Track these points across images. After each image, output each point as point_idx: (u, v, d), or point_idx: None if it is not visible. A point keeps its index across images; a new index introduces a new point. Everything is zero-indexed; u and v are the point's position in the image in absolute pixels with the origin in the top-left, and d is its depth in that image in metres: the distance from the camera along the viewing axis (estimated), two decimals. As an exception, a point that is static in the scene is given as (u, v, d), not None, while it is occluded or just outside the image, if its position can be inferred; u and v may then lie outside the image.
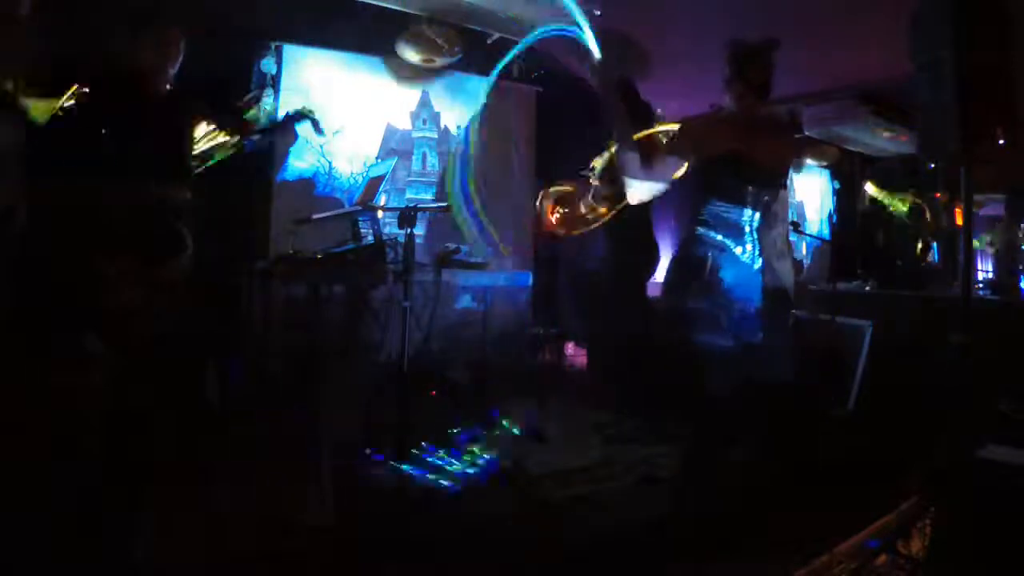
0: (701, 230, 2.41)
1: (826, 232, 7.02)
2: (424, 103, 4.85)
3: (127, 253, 2.26)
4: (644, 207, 3.76)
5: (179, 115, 2.50)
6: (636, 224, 3.64)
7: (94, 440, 2.25)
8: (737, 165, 2.38)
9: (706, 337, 2.31)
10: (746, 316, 2.37)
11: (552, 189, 4.20)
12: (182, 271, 2.38)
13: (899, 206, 5.34)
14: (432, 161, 4.85)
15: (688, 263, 2.42)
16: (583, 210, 3.87)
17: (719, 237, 2.39)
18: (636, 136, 2.99)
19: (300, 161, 4.36)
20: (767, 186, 2.45)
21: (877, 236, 5.55)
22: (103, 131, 2.30)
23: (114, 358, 2.26)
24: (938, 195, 5.55)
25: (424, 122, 4.84)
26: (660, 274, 5.41)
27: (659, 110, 3.43)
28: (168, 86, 2.47)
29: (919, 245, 5.35)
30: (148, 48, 2.42)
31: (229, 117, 2.82)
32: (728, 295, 2.35)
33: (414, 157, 4.80)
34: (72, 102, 2.26)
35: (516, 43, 4.50)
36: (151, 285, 2.29)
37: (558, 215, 4.13)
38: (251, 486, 2.48)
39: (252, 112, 3.43)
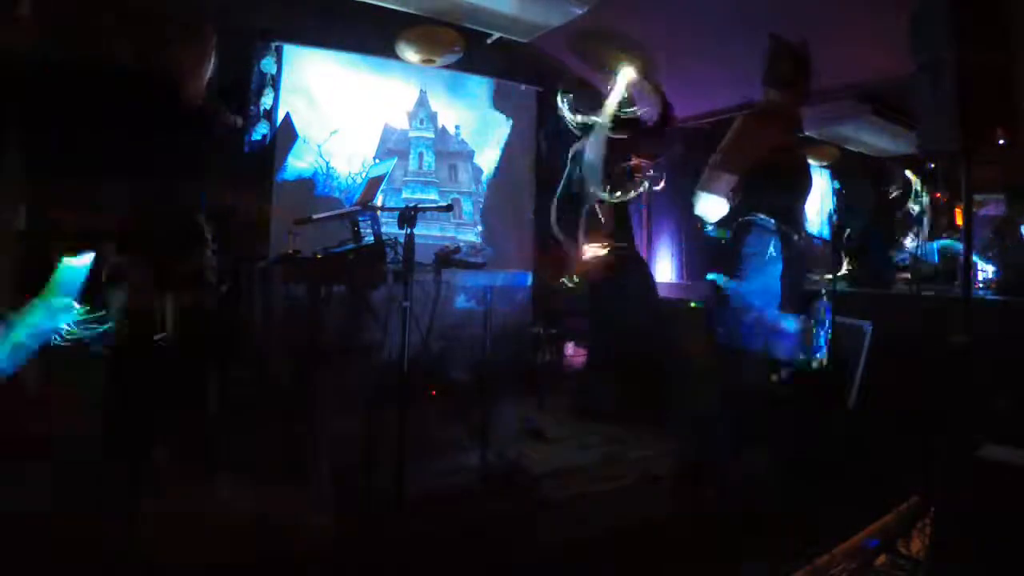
0: (762, 216, 2.40)
1: (826, 232, 7.01)
2: (422, 103, 4.85)
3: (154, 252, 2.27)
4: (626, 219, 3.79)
5: (207, 116, 2.51)
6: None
7: (96, 437, 2.26)
8: (793, 158, 2.42)
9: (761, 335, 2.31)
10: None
11: None
12: (204, 267, 2.39)
13: None
14: (429, 161, 4.85)
15: (751, 249, 2.40)
16: None
17: (781, 225, 2.39)
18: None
19: (299, 161, 4.36)
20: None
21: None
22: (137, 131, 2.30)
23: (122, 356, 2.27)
24: (938, 195, 5.54)
25: (421, 122, 4.84)
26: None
27: None
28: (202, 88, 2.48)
29: None
30: (185, 50, 2.42)
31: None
32: (782, 287, 2.36)
33: (411, 157, 4.80)
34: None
35: (516, 43, 4.52)
36: (173, 283, 2.30)
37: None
38: (251, 486, 2.48)
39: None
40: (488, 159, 5.10)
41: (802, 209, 2.53)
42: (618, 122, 3.64)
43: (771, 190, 2.41)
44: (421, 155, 4.84)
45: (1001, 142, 2.08)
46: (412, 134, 4.81)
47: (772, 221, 2.40)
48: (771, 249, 2.39)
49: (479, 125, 5.06)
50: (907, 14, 2.25)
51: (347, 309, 3.43)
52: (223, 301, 3.11)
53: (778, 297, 2.38)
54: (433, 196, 4.81)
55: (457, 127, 4.98)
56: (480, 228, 5.02)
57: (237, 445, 2.77)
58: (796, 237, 2.42)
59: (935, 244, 4.55)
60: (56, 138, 2.23)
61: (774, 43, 2.50)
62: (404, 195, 4.69)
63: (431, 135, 4.88)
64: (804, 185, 2.56)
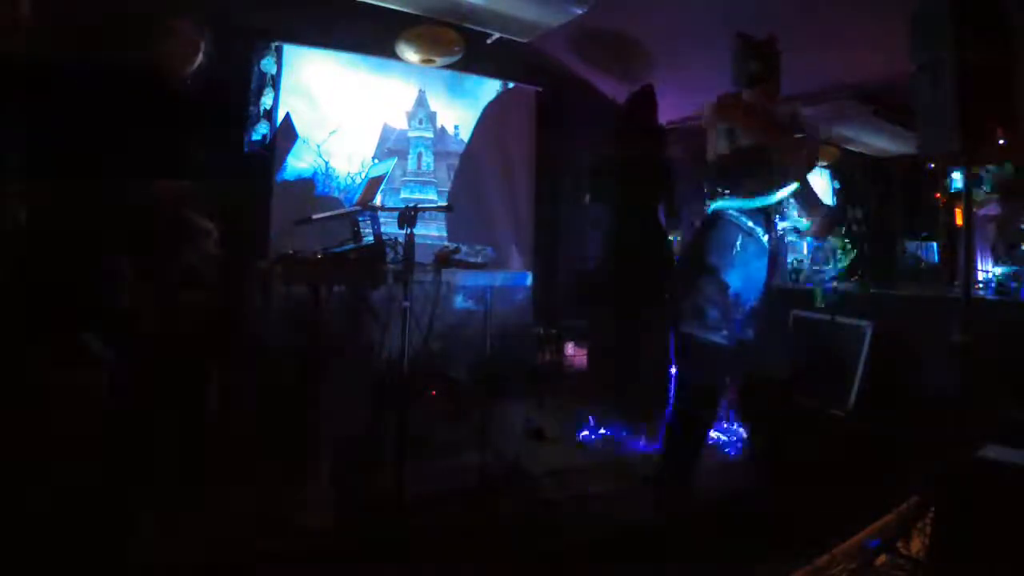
0: (732, 212, 2.38)
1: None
2: (420, 103, 4.84)
3: (141, 250, 2.26)
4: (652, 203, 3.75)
5: (195, 111, 2.51)
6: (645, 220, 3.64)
7: (96, 440, 2.26)
8: (764, 152, 2.40)
9: (720, 331, 2.29)
10: (756, 311, 2.37)
11: None
12: (201, 266, 2.39)
13: None
14: (427, 161, 4.85)
15: (716, 244, 2.38)
16: None
17: (749, 223, 2.37)
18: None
19: (299, 161, 4.36)
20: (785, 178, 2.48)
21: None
22: (118, 125, 2.30)
23: (119, 357, 2.26)
24: (938, 195, 5.55)
25: (420, 122, 4.84)
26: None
27: None
28: (186, 83, 2.47)
29: None
30: (166, 45, 2.42)
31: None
32: (748, 285, 2.34)
33: (410, 157, 4.79)
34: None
35: (516, 43, 4.53)
36: (168, 281, 2.30)
37: None
38: (251, 487, 2.49)
39: None
40: (486, 158, 5.09)
41: (777, 207, 2.48)
42: None
43: (743, 186, 2.40)
44: (420, 155, 4.83)
45: (1001, 142, 2.08)
46: (411, 134, 4.81)
47: (742, 217, 2.39)
48: (738, 245, 2.37)
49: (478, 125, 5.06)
50: (907, 14, 2.25)
51: (347, 309, 3.43)
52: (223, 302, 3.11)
53: (750, 294, 2.37)
54: (431, 196, 4.81)
55: (456, 127, 4.98)
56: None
57: (235, 444, 2.78)
58: (767, 236, 2.40)
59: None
60: (49, 136, 2.23)
61: (741, 41, 2.50)
62: (402, 195, 4.69)
63: (430, 135, 4.87)
64: (778, 184, 2.52)
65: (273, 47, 4.22)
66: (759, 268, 2.40)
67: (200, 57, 2.48)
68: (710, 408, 2.37)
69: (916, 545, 2.00)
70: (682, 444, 2.42)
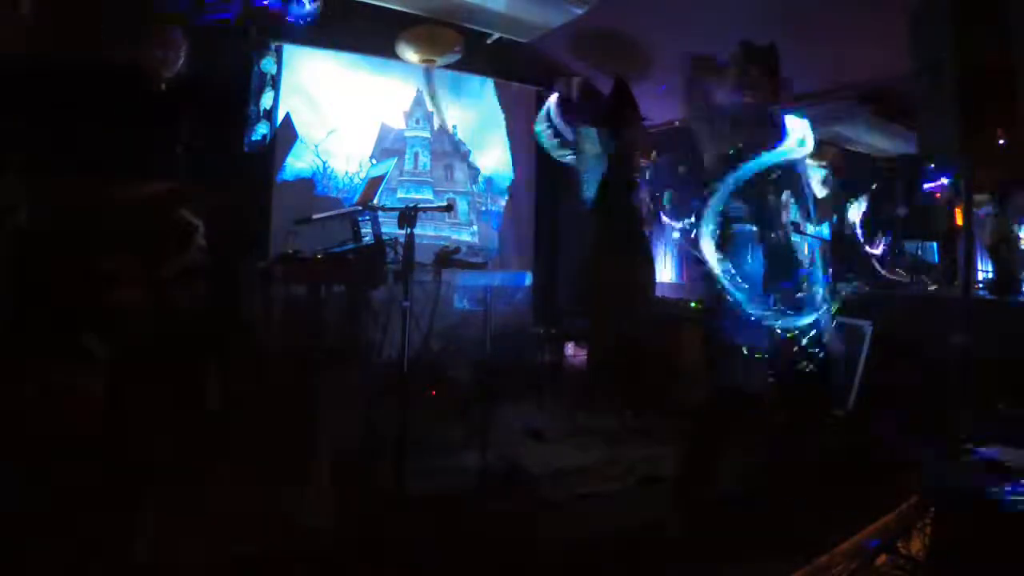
0: (735, 215, 2.41)
1: (826, 232, 7.00)
2: (418, 102, 4.84)
3: (130, 249, 2.25)
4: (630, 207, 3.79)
5: (176, 113, 2.49)
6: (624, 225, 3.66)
7: (95, 440, 2.26)
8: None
9: (750, 333, 2.31)
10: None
11: None
12: (190, 265, 2.37)
13: None
14: (424, 160, 4.85)
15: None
16: None
17: (753, 228, 2.40)
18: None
19: (298, 161, 4.36)
20: None
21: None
22: (101, 127, 2.29)
23: (115, 357, 2.26)
24: (938, 195, 5.54)
25: (417, 121, 4.83)
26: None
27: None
28: (165, 85, 2.46)
29: None
30: (149, 47, 2.41)
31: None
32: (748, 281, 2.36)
33: (407, 156, 4.79)
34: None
35: (516, 43, 4.53)
36: (156, 281, 2.28)
37: None
38: (251, 486, 2.48)
39: None
40: (486, 159, 5.09)
41: (780, 206, 2.50)
42: None
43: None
44: (416, 155, 4.83)
45: (1001, 142, 2.08)
46: (408, 133, 4.80)
47: (746, 218, 2.41)
48: (748, 247, 2.39)
49: (477, 125, 5.06)
50: (907, 14, 2.25)
51: (347, 309, 3.43)
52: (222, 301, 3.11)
53: (758, 291, 2.39)
54: (428, 196, 4.81)
55: (454, 127, 4.98)
56: (475, 228, 5.00)
57: (234, 444, 2.77)
58: (773, 235, 2.43)
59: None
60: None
61: (742, 48, 2.53)
62: (399, 195, 4.69)
63: (427, 135, 4.87)
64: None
65: (273, 47, 4.22)
66: (755, 264, 2.40)
67: (182, 57, 2.47)
68: (733, 410, 2.38)
69: (916, 545, 2.01)
70: (702, 445, 2.43)
